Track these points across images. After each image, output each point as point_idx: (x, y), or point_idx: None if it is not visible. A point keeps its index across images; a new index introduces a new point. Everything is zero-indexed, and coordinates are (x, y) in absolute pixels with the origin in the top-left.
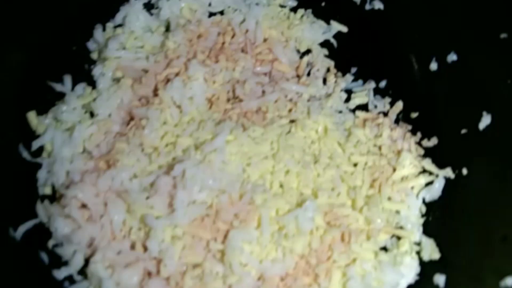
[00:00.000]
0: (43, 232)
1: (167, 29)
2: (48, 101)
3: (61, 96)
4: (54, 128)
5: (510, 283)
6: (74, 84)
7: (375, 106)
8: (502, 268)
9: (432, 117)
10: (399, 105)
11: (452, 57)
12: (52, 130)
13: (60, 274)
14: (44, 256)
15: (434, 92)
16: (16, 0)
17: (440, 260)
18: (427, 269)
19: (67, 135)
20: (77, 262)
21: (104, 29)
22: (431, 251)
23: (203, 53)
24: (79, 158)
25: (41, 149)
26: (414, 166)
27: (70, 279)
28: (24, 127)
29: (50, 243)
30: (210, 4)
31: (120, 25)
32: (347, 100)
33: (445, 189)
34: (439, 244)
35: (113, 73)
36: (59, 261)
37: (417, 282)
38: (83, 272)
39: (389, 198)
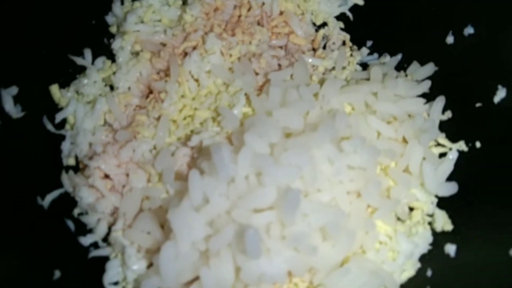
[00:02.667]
0: (68, 201)
1: (184, 2)
2: (69, 74)
3: (82, 69)
4: (76, 101)
5: None
6: (94, 57)
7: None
8: (511, 238)
9: (446, 91)
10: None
11: (469, 30)
12: (74, 103)
13: (86, 240)
14: (71, 224)
15: (450, 66)
16: None
17: (452, 231)
18: (438, 239)
19: (89, 107)
20: (101, 230)
21: (122, 3)
22: (443, 223)
23: (219, 27)
24: (101, 130)
25: (64, 121)
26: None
27: (95, 245)
28: (48, 100)
29: (76, 211)
30: None
31: None
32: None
33: (458, 162)
34: (451, 216)
35: (132, 46)
36: (84, 229)
37: (429, 251)
38: (106, 239)
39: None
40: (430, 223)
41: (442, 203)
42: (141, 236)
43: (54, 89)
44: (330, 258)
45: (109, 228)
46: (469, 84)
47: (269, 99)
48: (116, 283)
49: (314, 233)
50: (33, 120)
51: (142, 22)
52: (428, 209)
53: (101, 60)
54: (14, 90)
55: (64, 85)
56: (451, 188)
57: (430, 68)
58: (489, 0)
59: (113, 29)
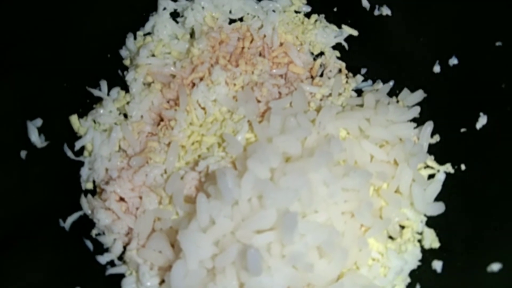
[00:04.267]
0: (87, 222)
1: (191, 35)
2: (87, 105)
3: (98, 100)
4: (93, 130)
5: (495, 268)
6: (109, 88)
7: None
8: (491, 255)
9: (434, 116)
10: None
11: (453, 61)
12: (91, 131)
13: (103, 259)
14: (89, 244)
15: (437, 93)
16: (57, 17)
17: (439, 248)
18: (427, 256)
19: (105, 135)
20: (117, 249)
21: (135, 38)
22: (431, 240)
23: (224, 58)
24: (116, 156)
25: (82, 148)
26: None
27: (111, 263)
28: (68, 129)
29: (94, 232)
30: (230, 12)
31: (149, 33)
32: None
33: (445, 183)
34: (438, 234)
35: (144, 78)
36: (101, 248)
37: (418, 267)
38: (121, 258)
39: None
40: (419, 241)
41: (431, 221)
42: (154, 255)
43: (74, 119)
44: (326, 274)
45: (124, 248)
46: (455, 110)
47: (270, 126)
48: None
49: (311, 251)
50: (55, 148)
51: (153, 55)
52: (418, 228)
53: (115, 91)
54: (38, 122)
55: (82, 115)
56: (438, 208)
57: (419, 95)
58: (471, 35)
59: (126, 62)
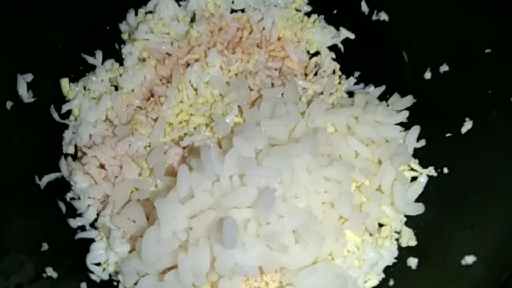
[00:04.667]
0: (63, 185)
1: (192, 19)
2: (80, 71)
3: (92, 68)
4: (83, 95)
5: (469, 261)
6: (104, 59)
7: None
8: (465, 250)
9: (422, 121)
10: None
11: (444, 68)
12: (80, 96)
13: (74, 223)
14: (62, 206)
15: (426, 99)
16: None
17: (416, 246)
18: (403, 253)
19: (94, 102)
20: (90, 215)
21: (136, 14)
22: (409, 239)
23: (222, 44)
24: (102, 124)
25: (69, 112)
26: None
27: (82, 228)
28: (57, 91)
29: (68, 195)
30: (233, 2)
31: (150, 12)
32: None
33: (427, 185)
34: (416, 234)
35: (140, 53)
36: (74, 213)
37: (393, 264)
38: (93, 225)
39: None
40: (397, 239)
41: (409, 221)
42: (127, 223)
43: (64, 82)
44: (300, 260)
45: (97, 215)
46: (442, 115)
47: (260, 112)
48: (98, 264)
49: (287, 234)
50: (41, 107)
51: (152, 32)
52: (396, 227)
53: (110, 62)
54: (29, 77)
55: (73, 80)
56: (418, 208)
57: (409, 100)
58: (462, 43)
59: (125, 36)
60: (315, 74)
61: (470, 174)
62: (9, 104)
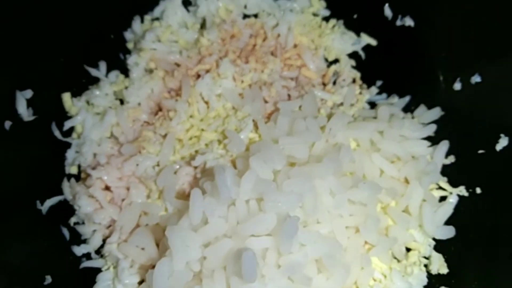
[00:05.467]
0: (66, 209)
1: (202, 26)
2: (82, 84)
3: (95, 81)
4: (86, 111)
5: None
6: (108, 71)
7: None
8: (505, 284)
9: (450, 136)
10: None
11: (476, 78)
12: (84, 112)
13: (79, 250)
14: (66, 232)
15: (455, 112)
16: None
17: (447, 274)
18: (433, 282)
19: (98, 118)
20: (96, 241)
21: (142, 21)
22: (439, 266)
23: (234, 53)
24: (107, 142)
25: (71, 129)
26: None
27: (87, 256)
28: (58, 107)
29: (72, 220)
30: (245, 7)
31: (157, 19)
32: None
33: (458, 207)
34: (447, 260)
35: (147, 63)
36: (78, 239)
37: None
38: (99, 251)
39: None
40: (426, 265)
41: (439, 246)
42: (136, 251)
43: (66, 97)
44: None
45: (104, 241)
46: (473, 130)
47: (277, 127)
48: None
49: (310, 264)
50: (42, 125)
51: (159, 41)
52: (425, 251)
53: (114, 74)
54: (28, 93)
55: (76, 94)
56: (448, 232)
57: (436, 112)
58: (496, 52)
59: (130, 45)
60: (334, 83)
61: (506, 194)
62: (7, 124)
